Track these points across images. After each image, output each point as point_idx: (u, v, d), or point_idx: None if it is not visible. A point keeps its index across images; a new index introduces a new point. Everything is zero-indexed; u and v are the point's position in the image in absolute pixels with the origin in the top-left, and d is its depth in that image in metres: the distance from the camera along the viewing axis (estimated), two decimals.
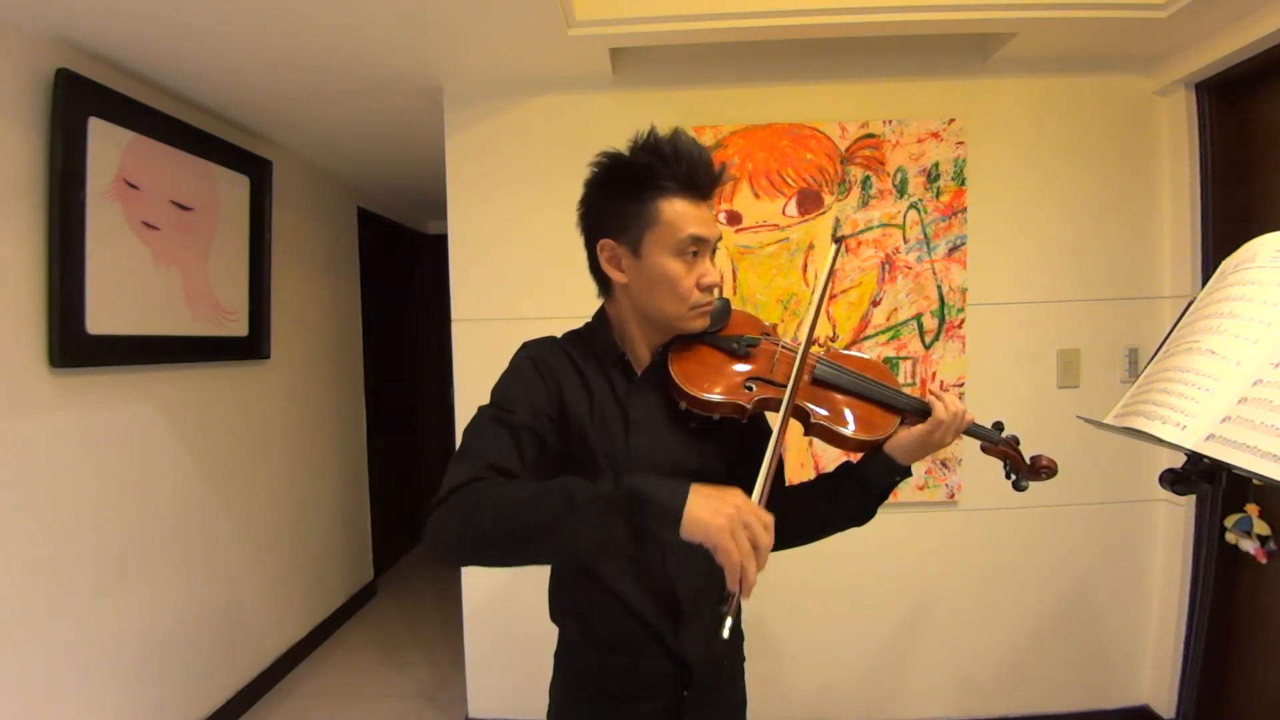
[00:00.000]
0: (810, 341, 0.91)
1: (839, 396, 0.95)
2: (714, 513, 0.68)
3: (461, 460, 0.80)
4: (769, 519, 0.69)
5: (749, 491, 0.73)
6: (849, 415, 0.94)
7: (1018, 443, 0.99)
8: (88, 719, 1.80)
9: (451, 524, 0.74)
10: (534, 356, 0.93)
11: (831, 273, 0.94)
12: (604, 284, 0.98)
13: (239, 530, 2.47)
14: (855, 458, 0.99)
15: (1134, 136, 2.09)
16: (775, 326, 1.03)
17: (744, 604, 1.02)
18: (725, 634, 0.66)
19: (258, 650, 2.56)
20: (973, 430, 0.96)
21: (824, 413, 0.93)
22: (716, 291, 0.94)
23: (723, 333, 0.97)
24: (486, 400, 0.90)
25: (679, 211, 0.88)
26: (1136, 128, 2.09)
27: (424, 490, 4.35)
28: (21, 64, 1.63)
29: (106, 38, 1.74)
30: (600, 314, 1.01)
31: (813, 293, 0.99)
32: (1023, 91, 2.08)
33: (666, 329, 0.94)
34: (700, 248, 0.89)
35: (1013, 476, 0.98)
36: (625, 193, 0.90)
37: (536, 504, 0.72)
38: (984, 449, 1.00)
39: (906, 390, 0.97)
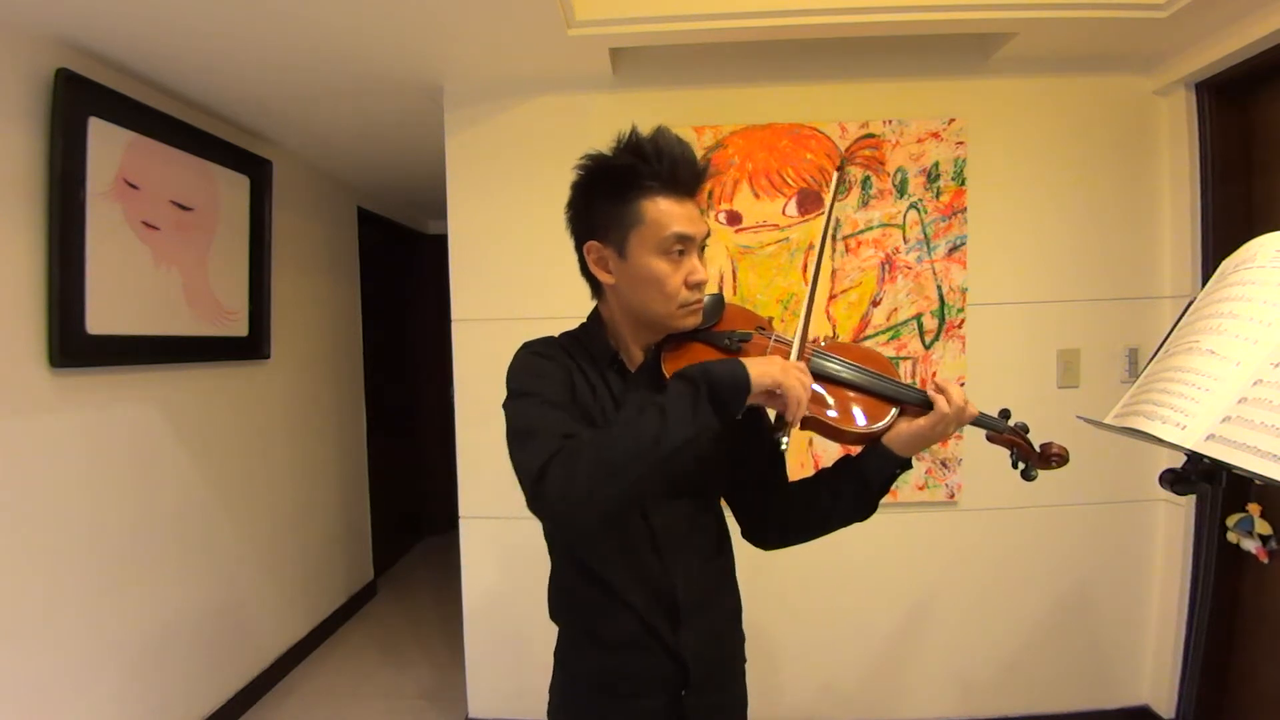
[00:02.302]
0: (808, 327, 0.91)
1: (835, 389, 0.93)
2: (769, 364, 0.82)
3: (530, 442, 0.81)
4: (804, 365, 0.87)
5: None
6: (845, 408, 0.92)
7: (1026, 430, 0.95)
8: (88, 719, 1.80)
9: (567, 482, 0.75)
10: (541, 353, 0.94)
11: (833, 206, 0.95)
12: (595, 286, 0.98)
13: (239, 530, 2.47)
14: (854, 452, 0.97)
15: (1134, 136, 2.09)
16: (771, 320, 1.02)
17: (744, 606, 1.08)
18: (784, 446, 0.84)
19: (258, 650, 2.56)
20: (978, 419, 0.93)
21: (819, 405, 0.91)
22: (713, 287, 0.94)
23: (716, 328, 0.96)
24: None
25: (663, 210, 0.88)
26: (1136, 128, 2.09)
27: (424, 490, 4.37)
28: (21, 64, 1.63)
29: (106, 38, 1.74)
30: (594, 315, 1.01)
31: (820, 243, 0.99)
32: (1023, 91, 2.08)
33: (657, 328, 0.94)
34: (686, 245, 0.89)
35: (1021, 466, 0.94)
36: (608, 194, 0.89)
37: (635, 427, 0.77)
38: (990, 438, 0.96)
39: (906, 384, 0.95)
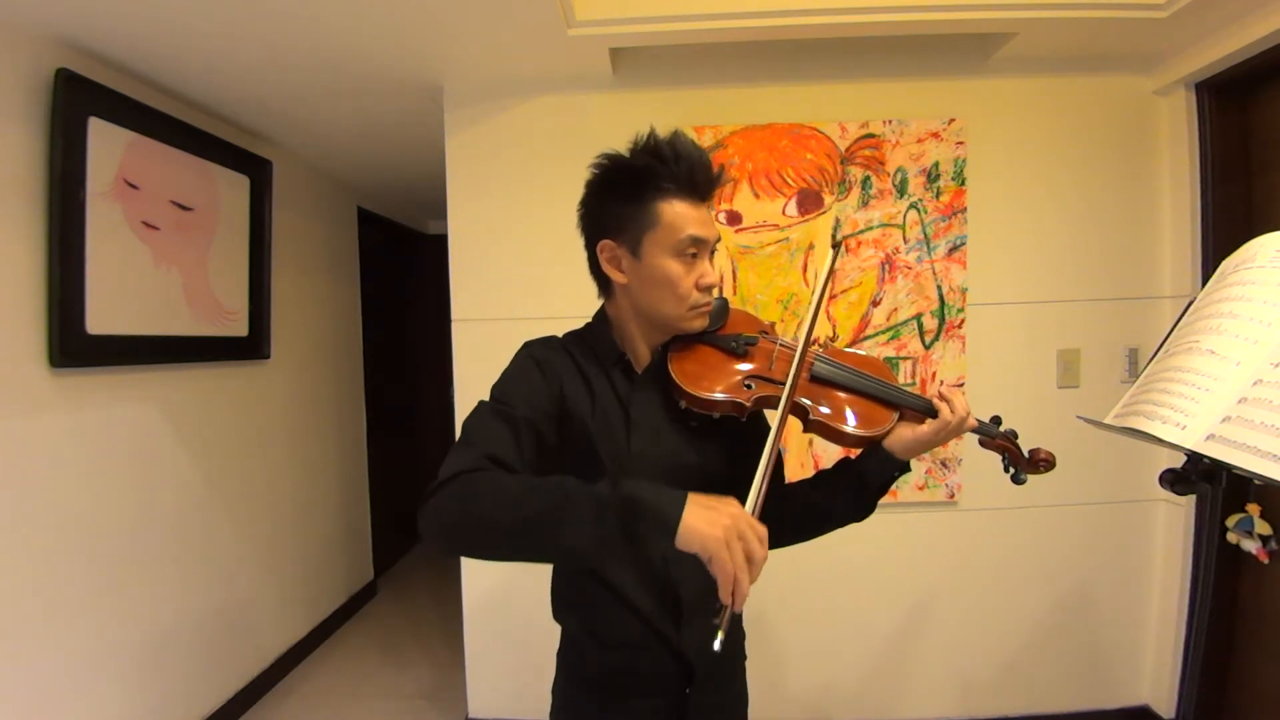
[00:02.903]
0: (809, 340, 0.91)
1: (837, 393, 0.95)
2: (710, 523, 0.68)
3: (460, 450, 0.81)
4: (763, 531, 0.69)
5: (744, 497, 0.74)
6: (847, 411, 0.94)
7: (1016, 437, 0.99)
8: (88, 719, 1.80)
9: (448, 511, 0.74)
10: (536, 355, 0.94)
11: (830, 275, 0.94)
12: (604, 284, 0.98)
13: (239, 530, 2.47)
14: (854, 454, 0.99)
15: (1134, 136, 2.09)
16: (773, 325, 1.03)
17: (742, 611, 1.01)
18: (717, 647, 0.66)
19: (258, 650, 2.56)
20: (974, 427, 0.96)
21: (822, 409, 0.93)
22: (715, 291, 0.94)
23: (721, 331, 0.97)
24: (487, 399, 0.90)
25: (678, 213, 0.88)
26: (1136, 128, 2.09)
27: (424, 490, 4.35)
28: (21, 64, 1.63)
29: (106, 38, 1.74)
30: (600, 314, 1.01)
31: (812, 293, 0.99)
32: (1023, 91, 2.08)
33: (666, 329, 0.95)
34: (699, 248, 0.90)
35: (1011, 470, 0.98)
36: (625, 194, 0.90)
37: (533, 498, 0.72)
38: (982, 443, 1.00)
39: (907, 389, 0.97)
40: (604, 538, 0.69)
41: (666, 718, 0.95)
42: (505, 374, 0.93)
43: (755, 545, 0.68)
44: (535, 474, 0.90)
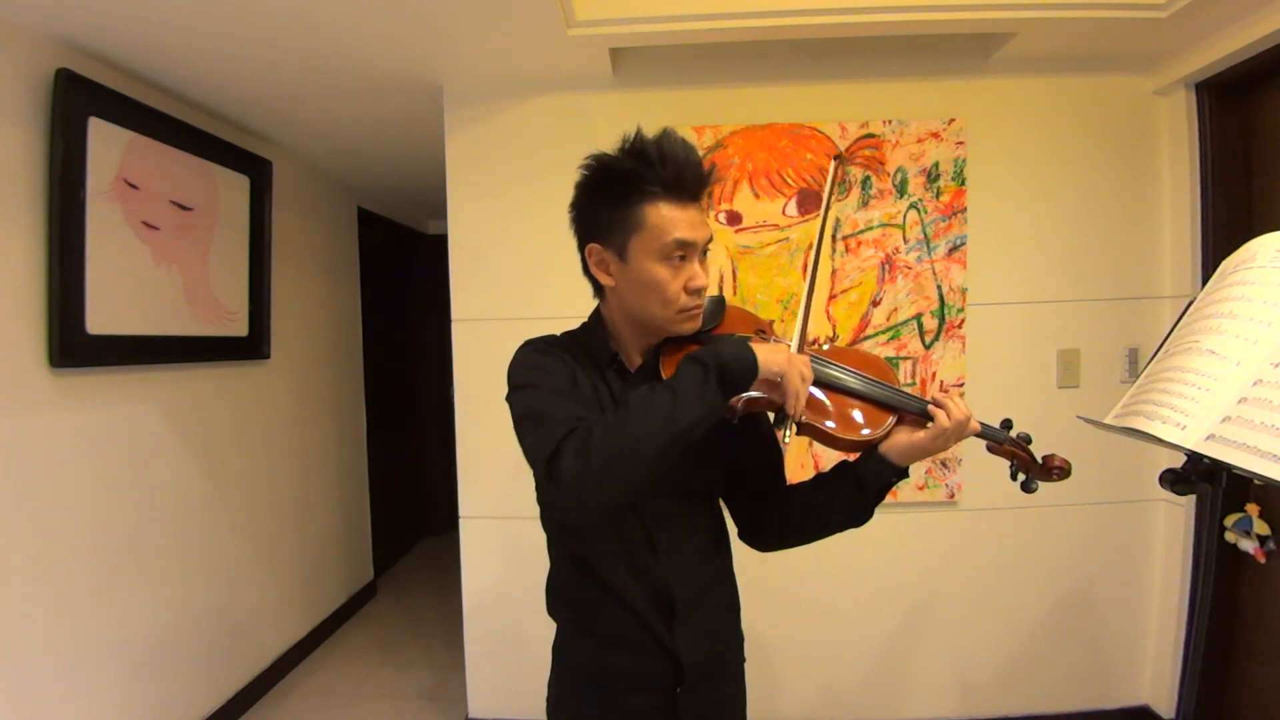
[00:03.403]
0: (803, 336, 0.90)
1: (831, 394, 0.92)
2: (776, 352, 0.82)
3: (542, 425, 0.81)
4: (807, 359, 0.86)
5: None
6: (839, 414, 0.91)
7: (1029, 441, 0.94)
8: (88, 719, 1.80)
9: (582, 463, 0.75)
10: (541, 349, 0.94)
11: (830, 201, 0.93)
12: (597, 286, 0.98)
13: (239, 530, 2.47)
14: (852, 457, 0.97)
15: (1134, 136, 2.09)
16: (772, 324, 1.01)
17: (744, 606, 1.09)
18: (788, 440, 0.85)
19: (258, 650, 2.56)
20: (979, 431, 0.92)
21: (814, 411, 0.90)
22: (713, 289, 0.94)
23: (716, 331, 0.96)
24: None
25: (664, 216, 0.86)
26: (1136, 128, 2.09)
27: (424, 490, 4.37)
28: (21, 64, 1.63)
29: (106, 38, 1.74)
30: (595, 315, 1.01)
31: (814, 246, 0.98)
32: (1023, 91, 2.08)
33: (656, 332, 0.94)
34: (687, 251, 0.88)
35: (1021, 477, 0.94)
36: (611, 197, 0.89)
37: (645, 409, 0.77)
38: (990, 448, 0.96)
39: (907, 390, 0.94)
40: (711, 402, 0.78)
41: (662, 715, 0.95)
42: (525, 368, 0.91)
43: (804, 369, 0.84)
44: None
